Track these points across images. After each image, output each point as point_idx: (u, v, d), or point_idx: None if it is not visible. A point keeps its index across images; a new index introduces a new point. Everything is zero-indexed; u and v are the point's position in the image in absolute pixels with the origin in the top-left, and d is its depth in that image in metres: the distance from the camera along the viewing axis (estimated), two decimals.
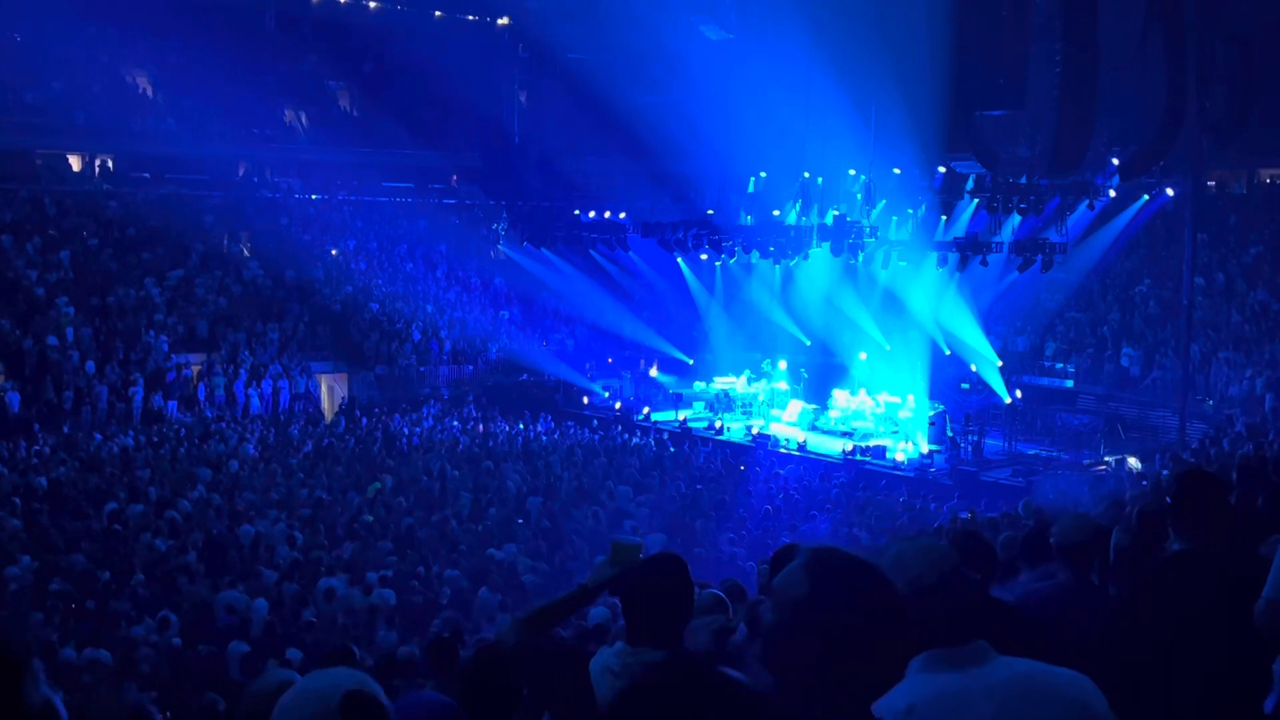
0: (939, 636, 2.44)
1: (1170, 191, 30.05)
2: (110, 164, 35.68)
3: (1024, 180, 27.03)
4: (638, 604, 3.25)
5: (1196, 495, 3.96)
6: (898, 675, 2.14)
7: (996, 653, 2.45)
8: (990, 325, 29.74)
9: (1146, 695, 3.19)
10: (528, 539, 16.48)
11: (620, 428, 26.88)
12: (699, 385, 29.69)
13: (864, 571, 2.11)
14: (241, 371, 27.93)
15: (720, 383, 29.03)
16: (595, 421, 27.76)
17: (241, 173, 37.16)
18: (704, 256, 29.79)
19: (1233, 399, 26.06)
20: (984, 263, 26.56)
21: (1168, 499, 4.13)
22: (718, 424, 27.17)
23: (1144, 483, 16.39)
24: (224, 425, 25.26)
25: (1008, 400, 27.55)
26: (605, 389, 30.88)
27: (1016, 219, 27.07)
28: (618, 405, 29.52)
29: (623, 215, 31.75)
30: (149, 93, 37.30)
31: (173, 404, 26.54)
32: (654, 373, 31.62)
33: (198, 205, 33.40)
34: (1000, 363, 28.68)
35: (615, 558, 3.44)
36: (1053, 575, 4.47)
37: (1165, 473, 17.93)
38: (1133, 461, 22.06)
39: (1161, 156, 27.51)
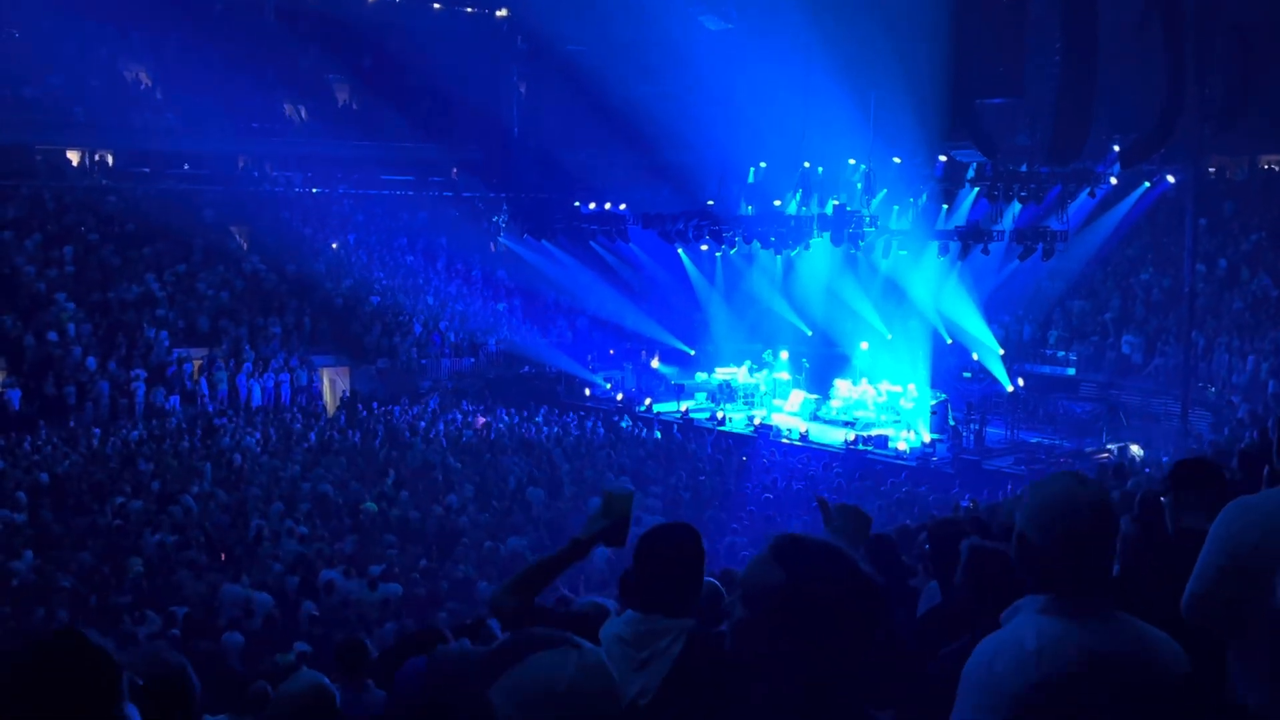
0: (1066, 584, 2.42)
1: (1171, 179, 30.02)
2: (110, 159, 35.65)
3: (1024, 168, 27.03)
4: (651, 571, 3.17)
5: (1195, 478, 4.03)
6: (873, 657, 2.10)
7: (1115, 609, 2.44)
8: (992, 314, 29.71)
9: None
10: (530, 531, 16.51)
11: (622, 419, 26.89)
12: (700, 376, 29.69)
13: (835, 556, 2.08)
14: (244, 365, 27.95)
15: (722, 373, 29.03)
16: (598, 413, 27.77)
17: (241, 167, 37.13)
18: (704, 247, 29.79)
19: (1235, 385, 26.04)
20: (985, 251, 26.54)
21: (1168, 483, 4.18)
22: (720, 414, 27.18)
23: (1147, 470, 16.41)
24: (226, 420, 25.28)
25: (1010, 388, 27.54)
26: (607, 380, 30.88)
27: (1017, 207, 27.04)
28: (620, 397, 29.54)
29: (623, 206, 31.74)
30: (148, 87, 37.25)
31: (175, 399, 26.56)
32: (655, 364, 31.62)
33: (198, 200, 33.37)
34: (1002, 351, 28.66)
35: (607, 508, 3.36)
36: None
37: (1165, 459, 17.97)
38: (1135, 449, 22.08)
39: (1162, 144, 27.46)
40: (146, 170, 34.55)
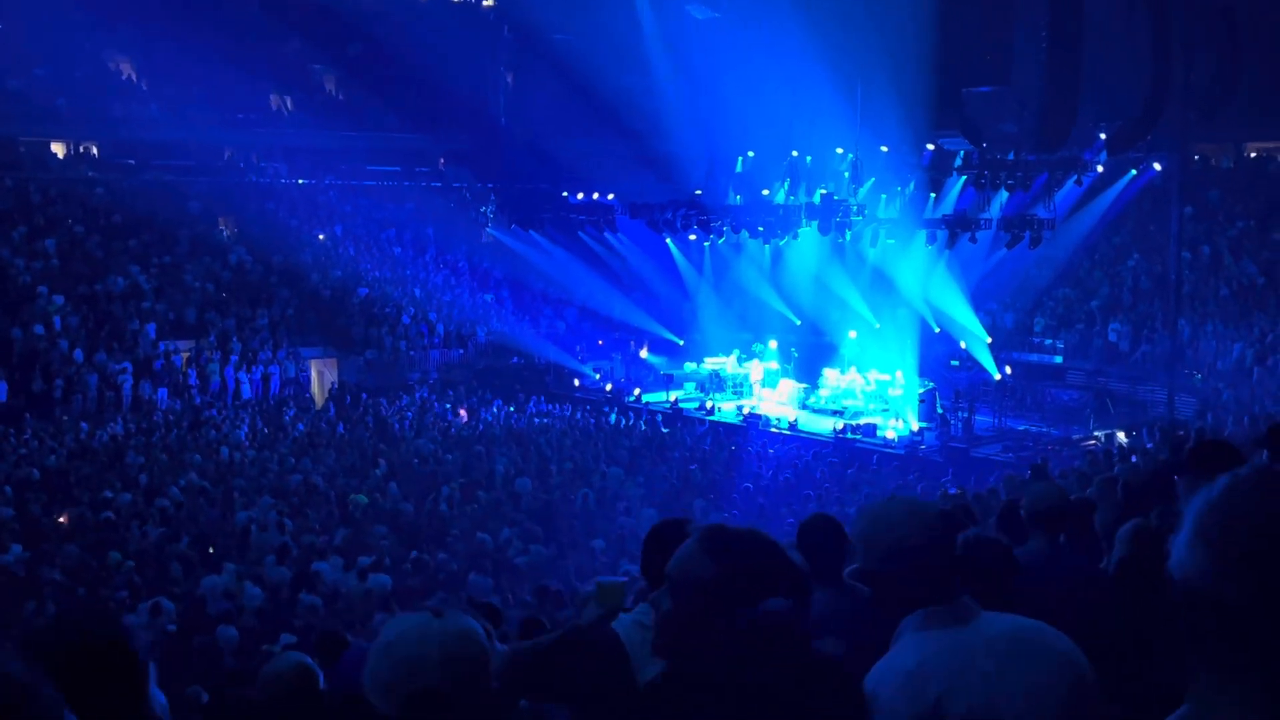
0: (927, 596, 2.44)
1: (1157, 166, 30.09)
2: (95, 151, 35.49)
3: (1011, 156, 27.05)
4: (659, 562, 3.22)
5: (1214, 458, 4.06)
6: (801, 647, 2.11)
7: (981, 609, 2.47)
8: (979, 302, 29.78)
9: (1135, 666, 3.23)
10: (520, 522, 16.52)
11: (611, 409, 26.91)
12: (690, 366, 29.71)
13: (764, 545, 2.09)
14: (231, 358, 27.88)
15: (711, 363, 29.05)
16: (587, 404, 27.79)
17: (227, 158, 36.99)
18: (693, 237, 29.81)
19: (1221, 372, 26.17)
20: (973, 239, 26.60)
21: (1177, 466, 4.21)
22: (709, 404, 27.21)
23: (1133, 458, 16.47)
24: (214, 412, 25.23)
25: (997, 377, 27.63)
26: (596, 371, 30.89)
27: (1004, 195, 27.07)
28: (609, 387, 29.54)
29: (611, 196, 31.73)
30: (133, 78, 37.08)
31: (162, 391, 26.50)
32: (644, 354, 31.64)
33: (183, 191, 33.25)
34: (989, 339, 28.74)
35: (602, 599, 3.41)
36: (1025, 544, 4.52)
37: (1150, 446, 18.05)
38: (1122, 436, 22.18)
39: (1148, 131, 27.54)
40: (132, 162, 34.40)
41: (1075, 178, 27.45)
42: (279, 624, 11.32)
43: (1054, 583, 3.91)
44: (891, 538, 2.49)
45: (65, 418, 24.02)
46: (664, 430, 24.81)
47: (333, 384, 29.68)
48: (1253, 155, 34.68)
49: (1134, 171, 30.58)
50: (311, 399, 28.73)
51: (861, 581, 2.55)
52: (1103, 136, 27.75)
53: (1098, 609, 3.57)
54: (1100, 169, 28.33)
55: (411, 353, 30.94)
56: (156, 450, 20.97)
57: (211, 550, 14.61)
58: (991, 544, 3.84)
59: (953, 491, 16.18)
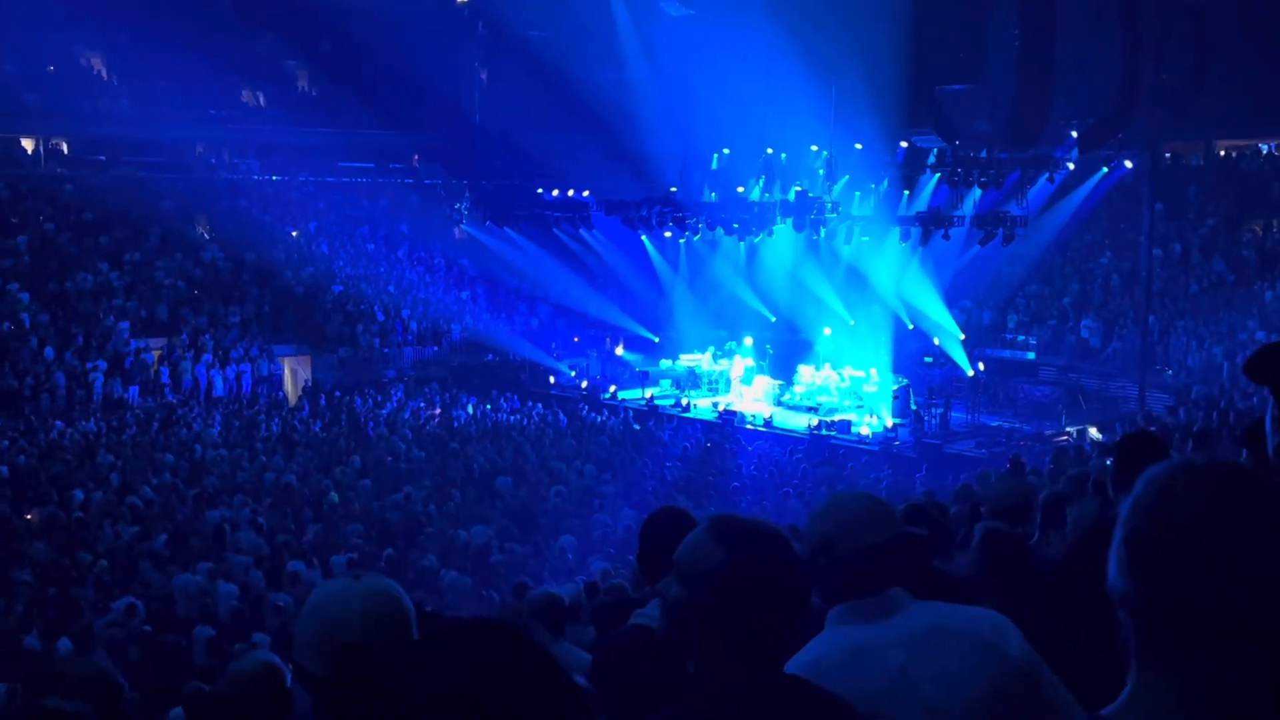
0: (851, 590, 2.44)
1: (1128, 164, 30.32)
2: (65, 147, 35.15)
3: (984, 154, 27.21)
4: (652, 557, 3.25)
5: (1137, 455, 4.08)
6: (802, 634, 2.14)
7: (911, 599, 2.46)
8: (952, 299, 29.94)
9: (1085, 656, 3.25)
10: (496, 520, 16.50)
11: (587, 406, 26.89)
12: (665, 363, 29.73)
13: (771, 534, 2.11)
14: (204, 356, 27.69)
15: (686, 360, 29.08)
16: (562, 401, 27.77)
17: (199, 154, 36.70)
18: (668, 234, 29.81)
19: (1191, 368, 26.42)
20: (946, 237, 26.73)
21: (1108, 462, 4.24)
22: (684, 401, 27.24)
23: (1107, 460, 16.59)
24: (187, 410, 25.06)
25: (970, 373, 27.78)
26: (571, 368, 30.86)
27: (977, 193, 27.23)
28: (584, 384, 29.53)
29: (586, 193, 31.68)
30: (103, 74, 36.75)
31: (134, 389, 26.29)
32: (620, 351, 31.63)
33: (155, 188, 32.97)
34: (963, 336, 28.89)
35: None
36: None
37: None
38: (1094, 431, 22.35)
39: (1119, 129, 27.78)
40: (102, 158, 34.10)
41: (1047, 175, 27.66)
42: (252, 623, 11.27)
43: (1021, 577, 3.94)
44: (820, 531, 2.49)
45: (31, 417, 23.79)
46: (635, 427, 24.77)
47: (306, 382, 29.51)
48: (1223, 153, 35.00)
49: (1105, 169, 30.82)
50: (285, 397, 28.57)
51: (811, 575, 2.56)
52: (1074, 134, 27.95)
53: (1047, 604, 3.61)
54: (1072, 166, 28.53)
55: (385, 350, 30.81)
56: (128, 449, 20.82)
57: (184, 549, 14.51)
58: (1008, 536, 3.87)
59: (920, 490, 16.27)
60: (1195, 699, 1.23)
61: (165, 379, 27.03)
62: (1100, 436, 21.24)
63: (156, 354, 27.60)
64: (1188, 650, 1.22)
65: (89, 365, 25.99)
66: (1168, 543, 1.22)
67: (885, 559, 2.46)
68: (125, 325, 27.66)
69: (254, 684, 3.55)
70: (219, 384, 27.42)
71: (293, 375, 30.08)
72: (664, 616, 2.16)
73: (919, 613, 2.42)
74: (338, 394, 27.37)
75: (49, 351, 25.88)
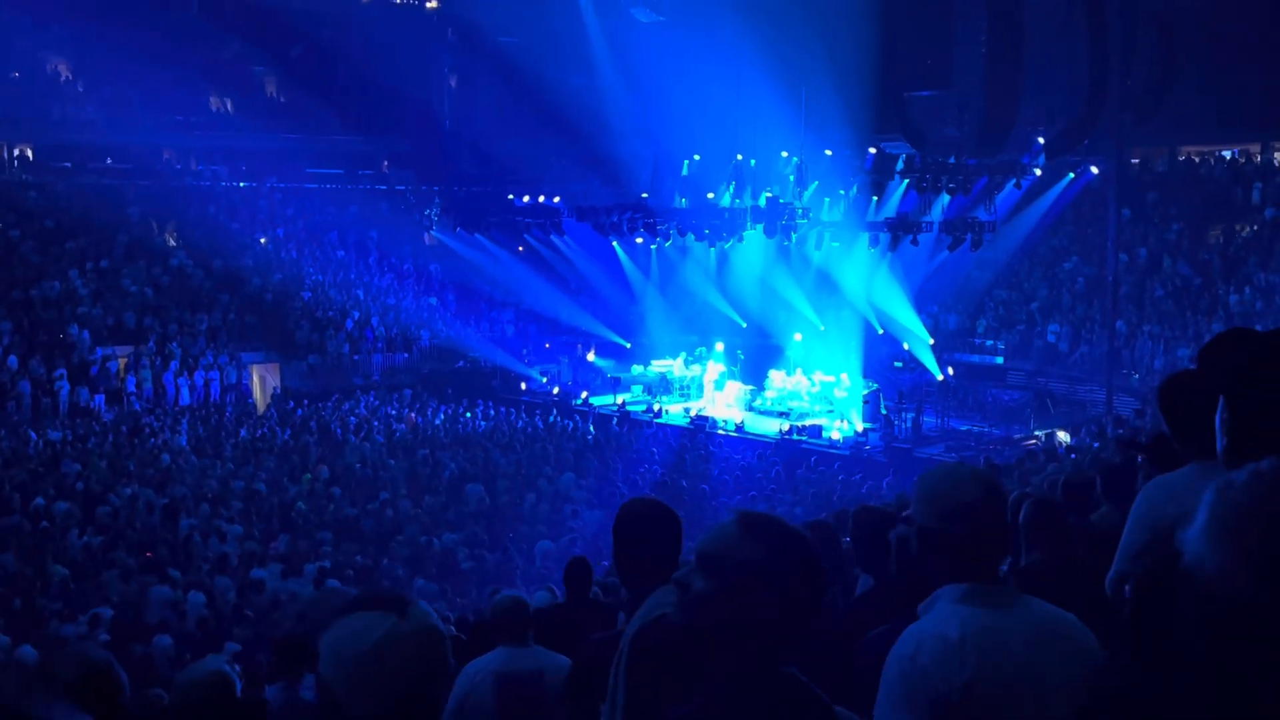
0: (975, 570, 2.47)
1: (1095, 169, 30.60)
2: (29, 153, 34.80)
3: (952, 160, 27.38)
4: (628, 550, 3.28)
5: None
6: (808, 631, 2.14)
7: (1020, 593, 2.50)
8: (921, 304, 30.10)
9: None
10: (467, 527, 16.43)
11: (559, 413, 26.85)
12: (637, 369, 29.74)
13: (799, 533, 2.14)
14: (171, 363, 27.45)
15: (658, 366, 29.10)
16: (534, 407, 27.70)
17: (166, 160, 36.42)
18: (639, 240, 29.81)
19: (1157, 371, 26.65)
20: (915, 242, 26.86)
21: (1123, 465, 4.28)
22: (656, 407, 27.24)
23: (1073, 456, 16.73)
24: (154, 418, 24.83)
25: (940, 377, 27.93)
26: (543, 374, 30.81)
27: (946, 198, 27.39)
28: (556, 390, 29.47)
29: (557, 199, 31.66)
30: (69, 80, 36.40)
31: (100, 397, 26.02)
32: (591, 357, 31.61)
33: (121, 194, 32.69)
34: (932, 340, 29.06)
35: None
36: None
37: (1096, 445, 18.34)
38: (1062, 435, 22.51)
39: (1085, 135, 28.02)
40: (68, 164, 33.78)
41: (1015, 181, 27.86)
42: (220, 632, 11.16)
43: None
44: (956, 498, 2.49)
45: (2, 430, 23.50)
46: (590, 435, 24.63)
47: (274, 389, 29.31)
48: (1186, 158, 35.38)
49: (1072, 175, 31.09)
50: (253, 404, 28.36)
51: (919, 539, 2.56)
52: (1041, 140, 28.17)
53: None
54: (1039, 172, 28.77)
55: (355, 357, 30.64)
56: (94, 457, 20.59)
57: (151, 557, 14.36)
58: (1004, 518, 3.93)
59: (893, 488, 16.34)
60: None
61: (132, 387, 26.77)
62: (1068, 439, 21.39)
63: (123, 362, 27.34)
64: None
65: (55, 373, 25.71)
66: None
67: (1009, 543, 2.48)
68: (89, 333, 27.38)
69: (202, 693, 3.51)
70: (186, 392, 27.19)
71: (261, 383, 29.86)
72: (686, 609, 2.15)
73: (1032, 608, 2.46)
74: (307, 401, 27.19)
75: (13, 360, 25.58)
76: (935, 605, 2.48)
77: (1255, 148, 34.43)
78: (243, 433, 23.67)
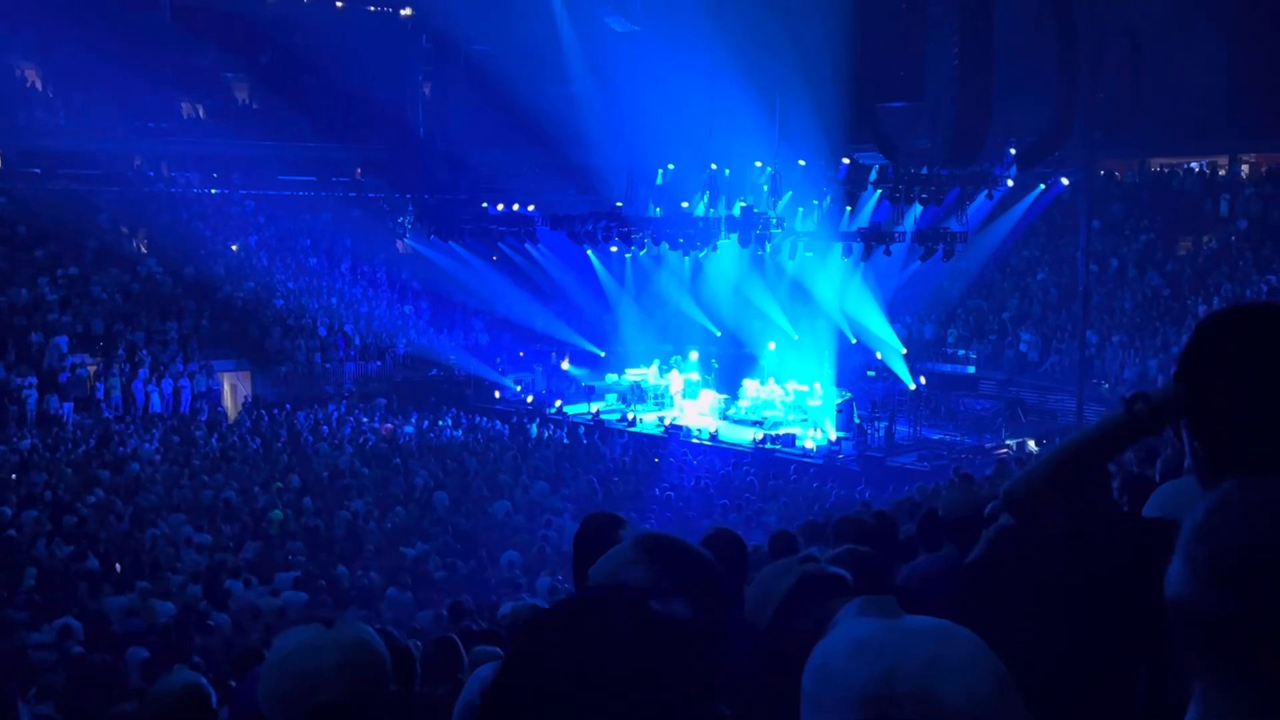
0: (873, 585, 2.49)
1: (1065, 181, 30.87)
2: None
3: (925, 171, 27.55)
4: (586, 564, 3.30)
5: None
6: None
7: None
8: (894, 313, 30.25)
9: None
10: (440, 536, 16.36)
11: (533, 421, 26.79)
12: (611, 377, 29.71)
13: (694, 553, 2.13)
14: (141, 371, 27.21)
15: (632, 374, 29.09)
16: (508, 416, 27.64)
17: (137, 167, 36.13)
18: (614, 249, 29.82)
19: (1128, 381, 26.88)
20: (887, 252, 27.00)
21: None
22: (630, 415, 27.23)
23: None
24: (123, 427, 24.60)
25: (912, 387, 28.07)
26: (517, 382, 30.73)
27: (918, 209, 27.57)
28: (530, 399, 29.41)
29: (531, 208, 31.63)
30: (38, 85, 36.08)
31: (69, 405, 25.76)
32: (566, 365, 31.57)
33: (91, 201, 32.40)
34: (904, 350, 29.20)
35: None
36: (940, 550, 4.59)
37: None
38: (1033, 444, 22.66)
39: (1056, 147, 28.24)
40: (37, 171, 33.40)
41: (986, 192, 28.07)
42: (188, 643, 11.06)
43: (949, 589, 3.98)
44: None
45: None
46: (565, 443, 24.61)
47: (246, 397, 29.11)
48: (1156, 170, 35.75)
49: (1043, 186, 31.36)
50: (224, 413, 28.15)
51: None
52: (1013, 152, 28.38)
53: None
54: (1011, 183, 29.00)
55: (327, 365, 30.46)
56: (62, 466, 20.38)
57: (119, 568, 14.23)
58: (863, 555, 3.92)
59: (865, 497, 16.41)
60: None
61: (101, 395, 26.51)
62: (1039, 449, 21.52)
63: (92, 369, 27.08)
64: (1268, 672, 1.20)
65: (23, 381, 25.43)
66: (1260, 560, 1.20)
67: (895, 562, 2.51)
68: (60, 340, 27.11)
69: (176, 706, 3.47)
70: (156, 400, 26.96)
71: (232, 391, 29.65)
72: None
73: (918, 619, 2.48)
74: (277, 410, 27.01)
75: None
76: (838, 626, 2.50)
77: (1223, 160, 34.84)
78: (213, 441, 23.49)
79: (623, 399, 28.50)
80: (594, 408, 27.92)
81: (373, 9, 41.64)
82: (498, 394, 30.23)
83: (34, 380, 25.59)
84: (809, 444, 24.27)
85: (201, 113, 38.82)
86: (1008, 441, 24.38)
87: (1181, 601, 1.25)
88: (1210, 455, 1.91)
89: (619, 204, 29.96)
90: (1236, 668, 1.22)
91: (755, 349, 29.40)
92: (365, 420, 26.48)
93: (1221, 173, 34.47)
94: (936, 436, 25.61)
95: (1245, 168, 34.67)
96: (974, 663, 2.38)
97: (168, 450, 22.60)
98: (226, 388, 29.45)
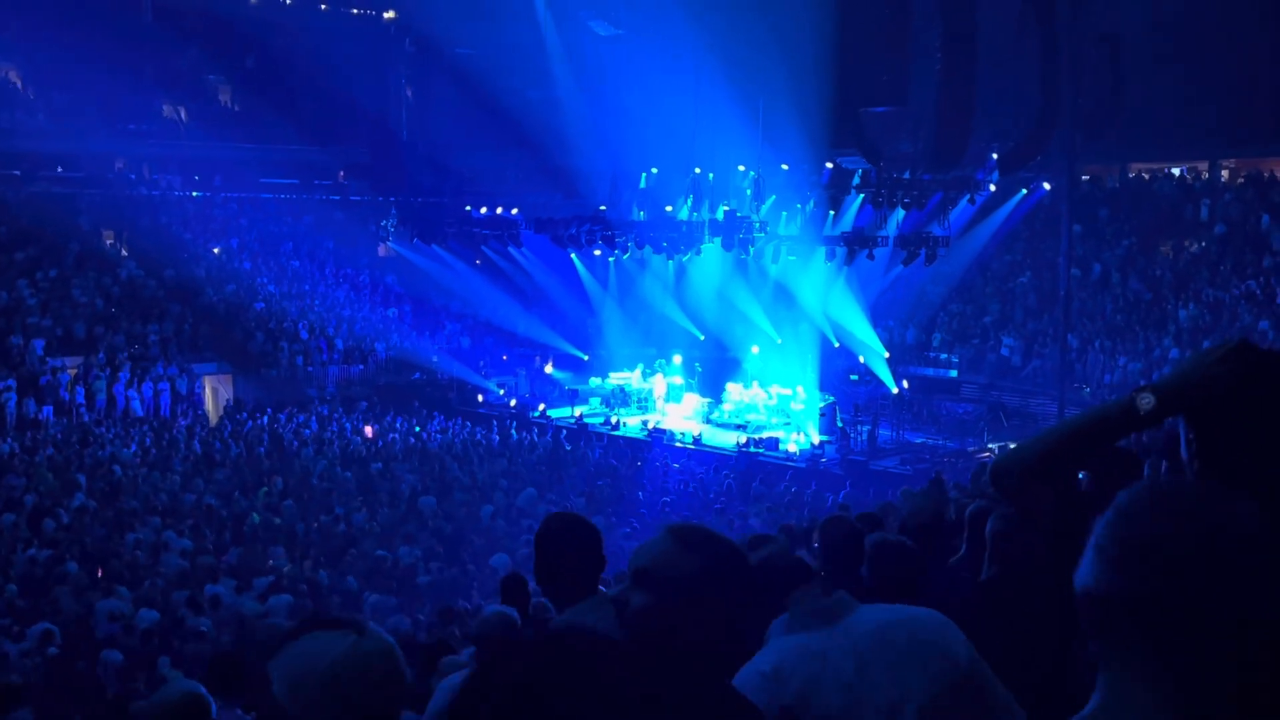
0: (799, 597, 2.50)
1: (1047, 185, 31.02)
2: None
3: (907, 175, 27.64)
4: (554, 566, 3.33)
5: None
6: (745, 639, 2.18)
7: (857, 602, 2.51)
8: (877, 317, 30.33)
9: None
10: (423, 540, 16.31)
11: (516, 425, 26.76)
12: (595, 381, 29.70)
13: (730, 543, 2.16)
14: (121, 374, 27.05)
15: (616, 378, 29.08)
16: (491, 420, 27.59)
17: (118, 169, 35.96)
18: (597, 252, 29.83)
19: (1108, 385, 27.02)
20: (870, 256, 27.08)
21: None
22: (614, 419, 27.22)
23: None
24: (104, 430, 24.45)
25: (895, 390, 28.14)
26: (500, 386, 30.68)
27: (901, 213, 27.64)
28: (513, 402, 29.37)
29: (515, 211, 31.60)
30: (18, 86, 35.89)
31: (49, 409, 25.59)
32: (549, 369, 31.54)
33: (73, 203, 32.24)
34: (887, 354, 29.27)
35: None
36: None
37: None
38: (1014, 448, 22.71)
39: (1038, 151, 28.41)
40: (17, 173, 33.21)
41: (969, 197, 28.18)
42: (169, 648, 11.00)
43: (935, 593, 4.00)
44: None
45: None
46: (567, 446, 24.69)
47: (227, 401, 28.98)
48: (1136, 175, 35.96)
49: (1025, 191, 31.49)
50: (205, 416, 28.02)
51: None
52: (995, 157, 28.51)
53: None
54: (993, 188, 29.12)
55: (309, 368, 30.35)
56: (42, 470, 20.24)
57: (100, 573, 14.14)
58: (897, 546, 3.92)
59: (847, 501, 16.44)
60: (1171, 703, 1.27)
61: (82, 398, 26.36)
62: None
63: (73, 373, 26.91)
64: (1167, 655, 1.27)
65: (2, 385, 25.26)
66: (1162, 548, 1.28)
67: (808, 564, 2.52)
68: (40, 343, 26.95)
69: (178, 715, 3.46)
70: (137, 403, 26.82)
71: (214, 394, 29.52)
72: (627, 625, 2.15)
73: (865, 616, 2.46)
74: (260, 413, 26.89)
75: None
76: (768, 643, 2.50)
77: (1203, 165, 35.09)
78: (195, 445, 23.38)
79: (606, 403, 28.48)
80: (577, 411, 27.89)
81: (355, 12, 41.57)
82: (481, 398, 30.17)
83: (13, 384, 25.42)
84: (792, 447, 24.30)
85: (183, 115, 38.68)
86: (990, 445, 24.46)
87: (1090, 591, 1.31)
88: (1204, 454, 1.96)
89: (602, 207, 29.97)
90: (1140, 656, 1.28)
91: (739, 353, 29.45)
92: (348, 424, 26.37)
93: (1204, 177, 34.71)
94: (919, 440, 25.68)
95: (1225, 173, 34.92)
96: (907, 670, 2.38)
97: (148, 454, 22.47)
98: (208, 391, 29.33)
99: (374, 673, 1.93)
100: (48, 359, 26.75)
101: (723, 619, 2.07)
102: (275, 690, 1.91)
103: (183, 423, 26.18)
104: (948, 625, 2.42)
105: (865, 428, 25.21)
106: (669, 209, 28.97)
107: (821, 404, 26.21)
